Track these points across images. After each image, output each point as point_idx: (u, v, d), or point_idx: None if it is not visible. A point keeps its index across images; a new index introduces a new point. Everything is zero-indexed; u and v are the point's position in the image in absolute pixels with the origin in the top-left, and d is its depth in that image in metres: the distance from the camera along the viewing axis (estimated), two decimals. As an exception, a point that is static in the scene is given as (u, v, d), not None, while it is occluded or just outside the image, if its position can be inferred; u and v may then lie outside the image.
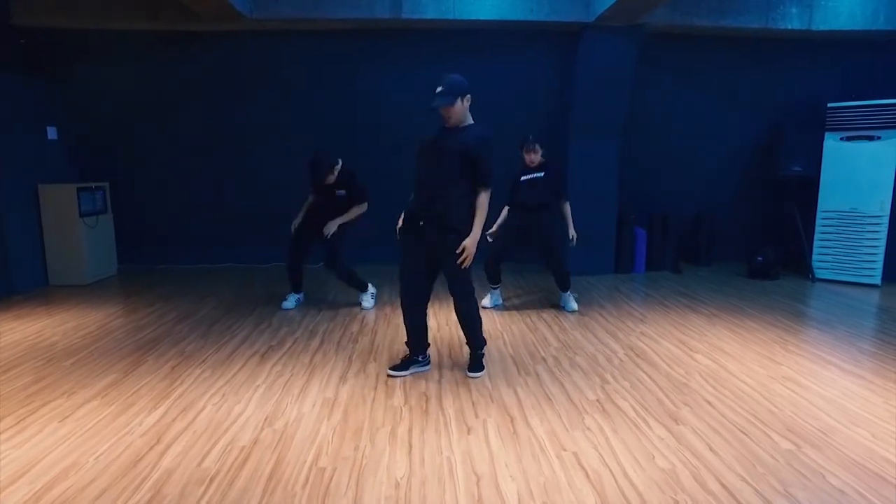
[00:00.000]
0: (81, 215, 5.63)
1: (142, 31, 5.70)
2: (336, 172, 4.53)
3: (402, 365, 3.39)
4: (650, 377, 3.32)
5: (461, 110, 3.10)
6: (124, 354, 3.68)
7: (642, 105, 6.23)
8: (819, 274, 5.95)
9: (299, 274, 4.83)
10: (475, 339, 3.40)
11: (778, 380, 3.27)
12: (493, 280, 4.87)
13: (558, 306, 4.91)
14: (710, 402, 2.96)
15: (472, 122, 3.20)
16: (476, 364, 3.37)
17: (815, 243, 5.97)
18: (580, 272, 6.14)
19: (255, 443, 2.54)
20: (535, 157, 4.58)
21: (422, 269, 3.26)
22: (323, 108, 6.30)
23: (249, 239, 6.55)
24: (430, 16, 5.21)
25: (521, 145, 4.66)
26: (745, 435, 2.62)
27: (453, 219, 3.11)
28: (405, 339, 3.43)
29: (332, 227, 4.52)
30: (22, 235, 5.43)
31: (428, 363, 3.47)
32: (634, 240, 6.40)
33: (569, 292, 4.82)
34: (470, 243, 3.08)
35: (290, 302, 4.82)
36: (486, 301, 4.90)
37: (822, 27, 5.40)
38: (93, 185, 5.87)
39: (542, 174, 4.62)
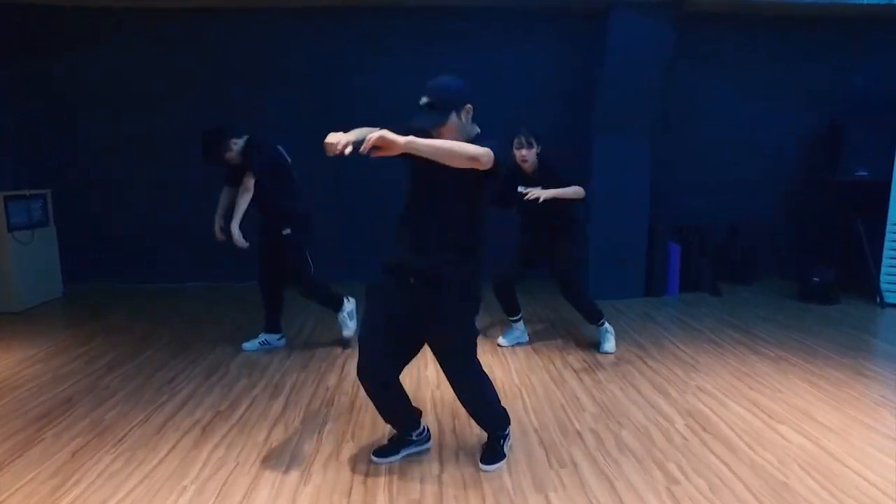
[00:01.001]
0: (11, 229, 4.71)
1: (95, 7, 4.78)
2: (236, 149, 3.52)
3: (391, 447, 2.49)
4: (731, 469, 2.39)
5: (459, 128, 2.12)
6: (17, 428, 2.76)
7: (676, 99, 5.32)
8: (889, 298, 5.02)
9: (273, 302, 3.85)
10: (490, 423, 2.48)
11: (914, 477, 2.35)
12: (511, 311, 3.95)
13: (582, 339, 4.01)
14: (831, 522, 2.05)
15: (478, 132, 2.21)
16: (493, 453, 2.44)
17: (884, 262, 5.04)
18: (607, 296, 5.21)
19: None
20: (527, 154, 3.52)
21: (401, 340, 2.27)
22: (306, 101, 5.41)
23: (221, 253, 5.61)
24: (427, -13, 4.29)
25: (510, 141, 3.56)
26: None
27: (458, 273, 2.16)
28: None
29: (234, 231, 3.47)
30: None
31: (427, 439, 2.57)
32: (668, 256, 5.48)
33: (604, 325, 3.89)
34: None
35: (253, 344, 3.86)
36: (502, 339, 3.99)
37: (905, 2, 4.47)
38: (28, 192, 4.94)
39: (540, 188, 3.48)
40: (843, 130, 5.16)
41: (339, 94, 5.41)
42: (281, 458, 2.49)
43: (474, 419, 2.49)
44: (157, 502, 2.15)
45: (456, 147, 1.94)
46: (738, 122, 5.56)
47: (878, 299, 5.04)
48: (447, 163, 1.94)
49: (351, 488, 2.26)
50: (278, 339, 3.92)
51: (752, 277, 5.90)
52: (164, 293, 5.40)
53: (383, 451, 2.47)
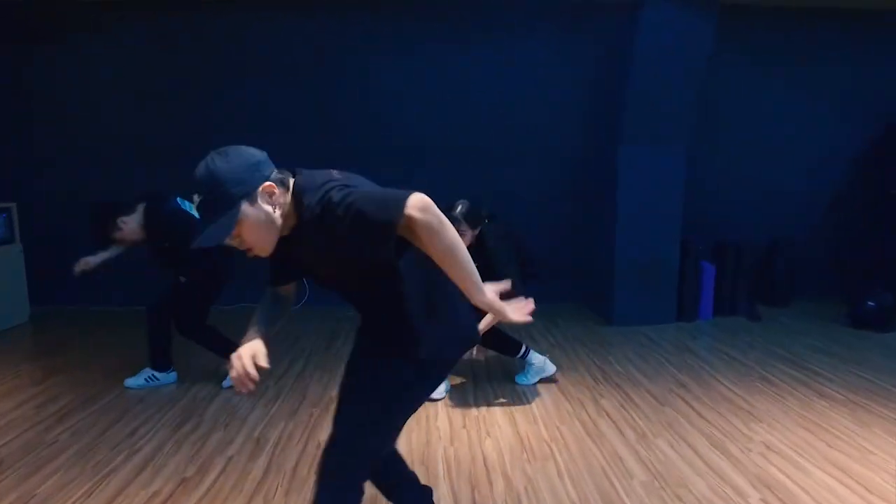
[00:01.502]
0: (-32, 248, 4.18)
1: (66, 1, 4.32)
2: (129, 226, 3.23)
3: None
4: (839, 573, 1.83)
5: (262, 220, 1.36)
6: (-72, 506, 2.21)
7: (712, 102, 4.80)
8: (954, 326, 4.47)
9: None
10: None
11: None
12: (511, 350, 3.38)
13: (612, 373, 3.45)
14: None
15: (306, 203, 1.36)
16: None
17: (948, 284, 4.49)
18: (634, 321, 4.69)
19: None
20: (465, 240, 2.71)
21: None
22: (304, 102, 4.91)
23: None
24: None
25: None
26: None
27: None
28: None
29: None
30: None
31: None
32: (701, 276, 4.94)
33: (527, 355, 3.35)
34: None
35: (139, 379, 3.44)
36: (521, 378, 3.46)
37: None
38: (-12, 207, 4.42)
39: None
40: (899, 137, 4.64)
41: (343, 90, 4.94)
42: (254, 554, 1.94)
43: None
44: None
45: (457, 253, 1.29)
46: (783, 127, 5.04)
47: (943, 327, 4.48)
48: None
49: None
50: (168, 376, 3.48)
51: (791, 299, 5.36)
52: (140, 317, 4.84)
53: None
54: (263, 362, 1.38)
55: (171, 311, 3.34)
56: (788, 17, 4.67)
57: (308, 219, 1.35)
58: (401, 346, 1.50)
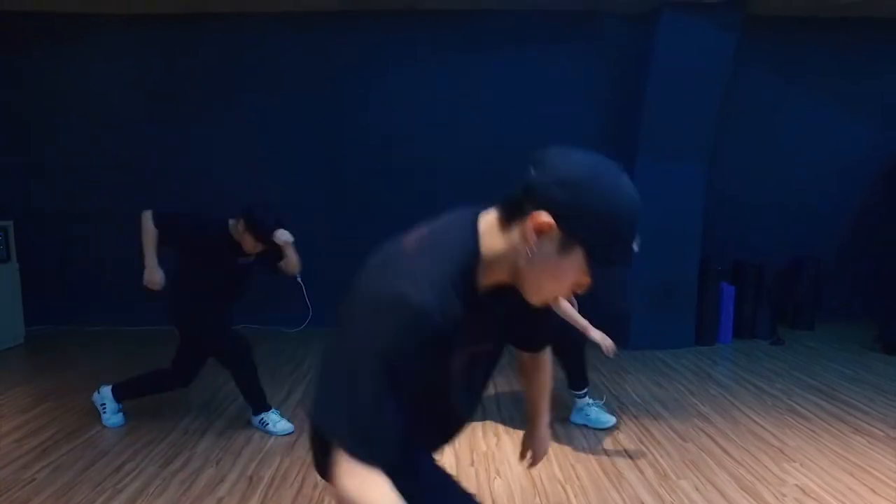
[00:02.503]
0: (-39, 268, 4.06)
1: (66, 14, 4.28)
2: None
3: None
4: None
5: None
6: None
7: (733, 115, 4.62)
8: None
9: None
10: None
11: None
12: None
13: (629, 405, 3.25)
14: None
15: None
16: None
17: None
18: (650, 345, 4.47)
19: None
20: None
21: None
22: (303, 118, 4.80)
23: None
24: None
25: None
26: None
27: None
28: None
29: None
30: None
31: None
32: (720, 299, 4.72)
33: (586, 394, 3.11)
34: None
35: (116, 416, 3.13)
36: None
37: None
38: (-16, 224, 4.31)
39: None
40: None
41: (341, 105, 4.82)
42: None
43: None
44: None
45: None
46: (808, 141, 4.86)
47: (981, 353, 4.23)
48: None
49: None
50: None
51: (815, 322, 5.12)
52: (141, 338, 4.70)
53: None
54: None
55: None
56: (813, 28, 4.50)
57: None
58: None
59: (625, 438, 2.98)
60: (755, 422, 3.19)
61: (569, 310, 2.77)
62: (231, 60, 4.73)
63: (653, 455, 2.80)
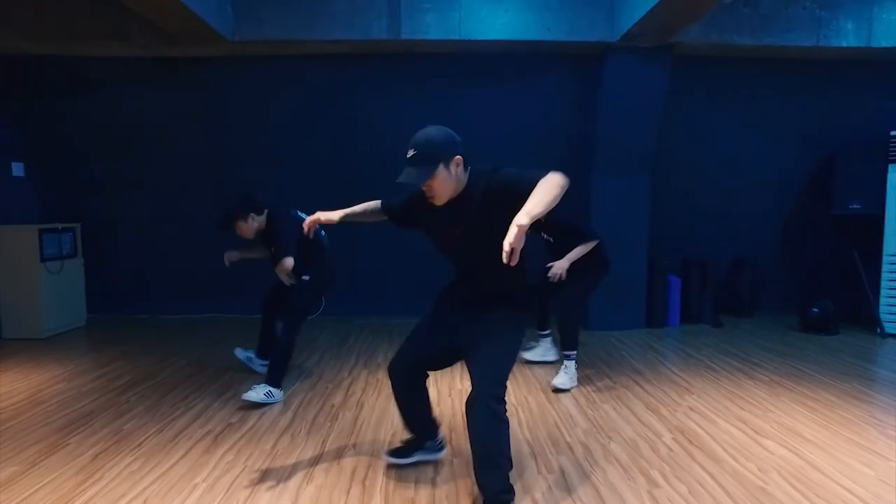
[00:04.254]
0: (43, 259, 5.02)
1: (115, 57, 5.22)
2: (252, 224, 3.58)
3: (405, 450, 2.60)
4: (713, 477, 2.49)
5: (448, 180, 2.06)
6: (43, 435, 2.95)
7: (675, 137, 5.56)
8: (889, 328, 5.08)
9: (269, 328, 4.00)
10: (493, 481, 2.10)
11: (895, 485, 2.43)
12: (542, 324, 4.21)
13: (583, 370, 4.11)
14: (805, 522, 2.14)
15: (466, 181, 2.15)
16: None
17: (882, 292, 5.13)
18: (607, 327, 5.36)
19: (160, 591, 1.77)
20: None
21: (444, 343, 2.31)
22: (317, 142, 5.73)
23: (236, 286, 5.87)
24: (432, 36, 4.64)
25: None
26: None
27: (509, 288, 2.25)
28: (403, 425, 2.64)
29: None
30: (-27, 283, 4.83)
31: (440, 449, 2.66)
32: (668, 289, 5.62)
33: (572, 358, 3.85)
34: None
35: (245, 353, 4.08)
36: (528, 354, 4.26)
37: (883, 44, 4.72)
38: (59, 226, 5.28)
39: (552, 238, 3.87)
40: (837, 165, 5.35)
41: (346, 138, 5.73)
42: (286, 462, 2.65)
43: (477, 470, 2.06)
44: (171, 497, 2.32)
45: (555, 191, 1.87)
46: (739, 159, 5.76)
47: (879, 329, 5.10)
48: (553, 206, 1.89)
49: (350, 488, 2.40)
50: (261, 366, 3.97)
51: (755, 310, 5.99)
52: (181, 324, 5.64)
53: (397, 452, 2.59)
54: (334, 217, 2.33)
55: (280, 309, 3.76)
56: (740, 66, 5.43)
57: (476, 192, 2.07)
58: (521, 305, 2.25)
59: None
60: (674, 373, 4.08)
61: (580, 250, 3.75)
62: (259, 93, 5.68)
63: (587, 391, 3.68)
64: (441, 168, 2.04)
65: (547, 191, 1.87)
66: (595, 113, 5.19)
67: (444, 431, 2.98)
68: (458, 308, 2.30)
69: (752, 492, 2.36)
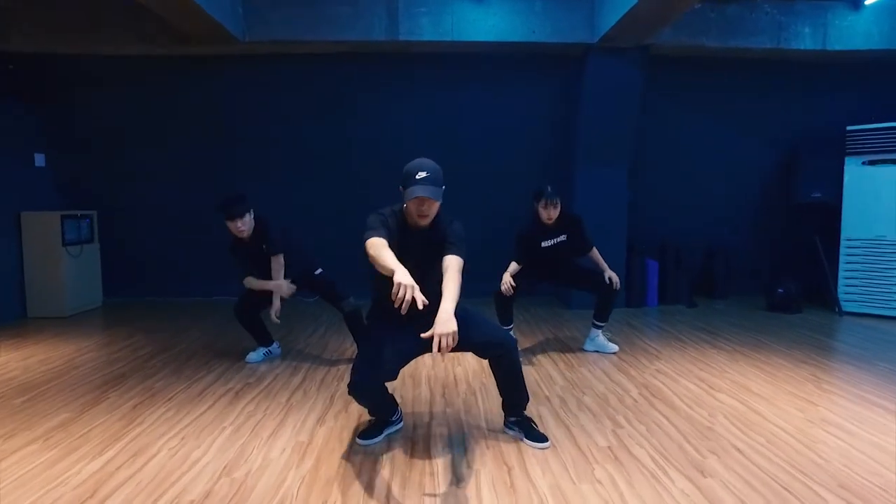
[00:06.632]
0: (65, 244, 5.39)
1: (134, 55, 5.58)
2: (248, 221, 3.71)
3: (374, 430, 2.73)
4: (669, 420, 2.92)
5: (439, 204, 2.45)
6: (84, 391, 3.34)
7: (651, 132, 5.99)
8: (846, 307, 5.54)
9: (256, 328, 4.06)
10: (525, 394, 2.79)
11: (818, 424, 2.86)
12: (506, 320, 4.47)
13: (566, 342, 4.53)
14: (740, 450, 2.56)
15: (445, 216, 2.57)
16: (538, 433, 2.71)
17: (840, 274, 5.58)
18: (589, 306, 5.75)
19: (207, 495, 2.17)
20: (554, 213, 3.92)
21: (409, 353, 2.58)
22: (319, 136, 6.11)
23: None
24: (427, 37, 5.03)
25: (536, 198, 3.92)
26: (787, 490, 2.21)
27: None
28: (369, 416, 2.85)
29: (277, 306, 3.76)
30: (0, 265, 5.19)
31: (401, 419, 2.87)
32: (646, 272, 6.05)
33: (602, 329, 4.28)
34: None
35: (258, 354, 4.04)
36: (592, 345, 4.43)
37: (837, 47, 5.16)
38: (78, 213, 5.64)
39: (565, 237, 4.07)
40: (799, 158, 5.79)
41: (338, 137, 6.10)
42: (301, 411, 3.05)
43: (514, 392, 2.73)
44: (204, 435, 2.72)
45: (458, 282, 2.30)
46: (708, 152, 6.20)
47: (837, 308, 5.55)
48: None
49: (357, 428, 2.81)
50: (277, 347, 4.16)
51: (728, 293, 6.43)
52: (193, 305, 6.02)
53: (368, 434, 2.69)
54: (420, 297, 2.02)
55: (258, 309, 3.94)
56: (709, 67, 5.85)
57: (442, 224, 2.47)
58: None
59: (551, 352, 4.29)
60: (646, 343, 4.51)
61: (598, 257, 4.14)
62: (265, 90, 6.05)
63: (566, 358, 4.10)
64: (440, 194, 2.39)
65: (456, 286, 2.28)
66: (577, 108, 5.60)
67: (432, 389, 3.40)
68: (405, 322, 2.30)
69: (700, 430, 2.78)
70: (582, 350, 4.32)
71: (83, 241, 5.65)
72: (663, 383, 3.51)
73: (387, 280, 2.13)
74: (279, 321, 3.77)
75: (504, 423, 2.81)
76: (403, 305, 1.98)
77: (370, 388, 2.49)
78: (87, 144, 6.06)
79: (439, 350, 2.06)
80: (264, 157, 6.13)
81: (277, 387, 3.45)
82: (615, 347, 4.28)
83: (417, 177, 2.33)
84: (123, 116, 6.06)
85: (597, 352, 4.28)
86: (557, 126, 5.99)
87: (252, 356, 4.01)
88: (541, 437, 2.66)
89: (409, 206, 2.40)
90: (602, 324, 4.28)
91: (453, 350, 2.18)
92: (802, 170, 5.70)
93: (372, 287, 2.62)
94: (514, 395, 2.75)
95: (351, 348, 4.33)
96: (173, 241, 6.27)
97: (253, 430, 2.80)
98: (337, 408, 3.10)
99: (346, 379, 3.60)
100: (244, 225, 3.68)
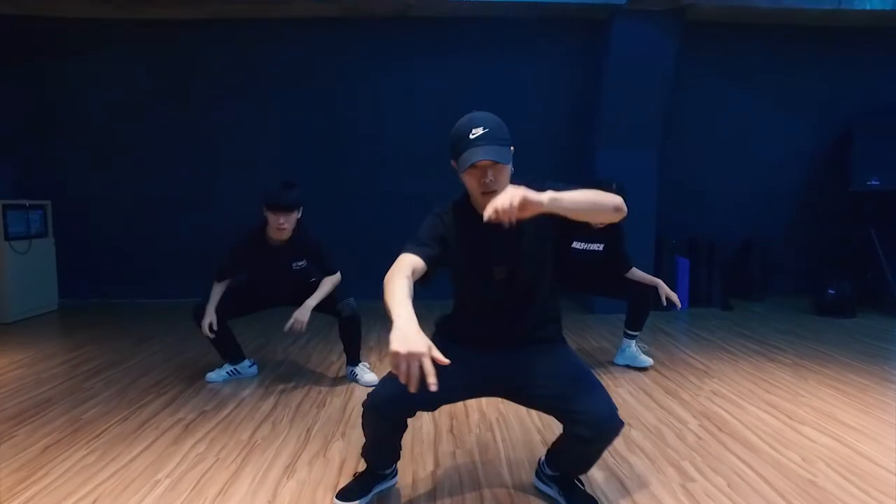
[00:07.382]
0: (8, 238, 4.65)
1: (87, 18, 4.83)
2: (294, 222, 2.97)
3: (362, 486, 1.97)
4: (752, 468, 2.20)
5: (510, 172, 1.68)
6: (-9, 424, 2.61)
7: (682, 110, 5.26)
8: (908, 311, 4.83)
9: (229, 339, 3.27)
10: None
11: (952, 474, 2.14)
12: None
13: (593, 354, 3.82)
14: (865, 519, 1.85)
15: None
16: (583, 495, 1.94)
17: (902, 273, 4.87)
18: (614, 310, 5.04)
19: None
20: None
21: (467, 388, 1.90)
22: (306, 115, 5.38)
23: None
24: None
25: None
26: None
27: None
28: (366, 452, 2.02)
29: (305, 315, 2.98)
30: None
31: (395, 474, 2.08)
32: (676, 271, 5.33)
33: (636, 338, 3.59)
34: None
35: (221, 373, 3.27)
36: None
37: (909, 7, 4.45)
38: (27, 202, 4.90)
39: (601, 247, 3.42)
40: (854, 140, 5.07)
41: (341, 104, 5.40)
42: (265, 453, 2.32)
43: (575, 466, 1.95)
44: (126, 496, 1.99)
45: (603, 198, 1.54)
46: (749, 134, 5.49)
47: (898, 312, 4.84)
48: (589, 219, 1.58)
49: (337, 484, 2.08)
50: (249, 366, 3.39)
51: (765, 293, 5.72)
52: (160, 308, 5.28)
53: (351, 493, 1.94)
54: (439, 356, 1.26)
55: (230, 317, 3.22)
56: (752, 34, 5.14)
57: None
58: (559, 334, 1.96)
59: (578, 366, 3.57)
60: (689, 355, 3.79)
61: (641, 274, 3.51)
62: (242, 61, 5.31)
63: (600, 375, 3.39)
64: (510, 156, 1.64)
65: (596, 195, 1.55)
66: (601, 82, 4.87)
67: (437, 423, 2.69)
68: (481, 350, 1.81)
69: (801, 485, 2.06)
70: (613, 364, 3.61)
71: (33, 236, 4.91)
72: (727, 411, 2.79)
73: (468, 287, 1.82)
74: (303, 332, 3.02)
75: (536, 475, 2.09)
76: (411, 383, 1.23)
77: (395, 411, 1.74)
78: (40, 123, 5.31)
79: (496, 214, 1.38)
80: (237, 135, 5.41)
81: (240, 417, 2.72)
82: (649, 361, 3.57)
83: (472, 135, 1.61)
84: (83, 90, 5.33)
85: (627, 366, 3.57)
86: (578, 103, 5.26)
87: (212, 375, 3.25)
88: (588, 500, 1.92)
89: (467, 180, 1.67)
90: (636, 333, 3.60)
91: (530, 406, 1.90)
92: (859, 154, 4.98)
93: (453, 291, 1.90)
94: (572, 465, 1.94)
95: (338, 363, 3.60)
96: (142, 235, 5.54)
97: (196, 484, 2.07)
98: (313, 449, 2.37)
99: (327, 404, 2.91)
100: (288, 222, 2.91)
